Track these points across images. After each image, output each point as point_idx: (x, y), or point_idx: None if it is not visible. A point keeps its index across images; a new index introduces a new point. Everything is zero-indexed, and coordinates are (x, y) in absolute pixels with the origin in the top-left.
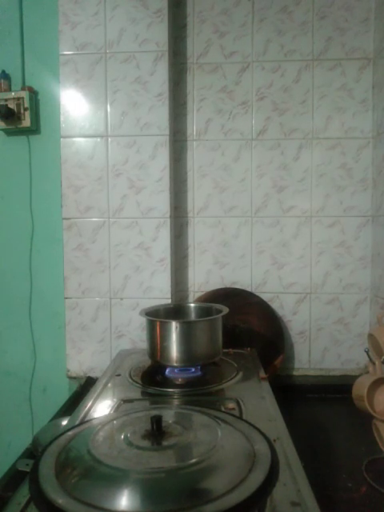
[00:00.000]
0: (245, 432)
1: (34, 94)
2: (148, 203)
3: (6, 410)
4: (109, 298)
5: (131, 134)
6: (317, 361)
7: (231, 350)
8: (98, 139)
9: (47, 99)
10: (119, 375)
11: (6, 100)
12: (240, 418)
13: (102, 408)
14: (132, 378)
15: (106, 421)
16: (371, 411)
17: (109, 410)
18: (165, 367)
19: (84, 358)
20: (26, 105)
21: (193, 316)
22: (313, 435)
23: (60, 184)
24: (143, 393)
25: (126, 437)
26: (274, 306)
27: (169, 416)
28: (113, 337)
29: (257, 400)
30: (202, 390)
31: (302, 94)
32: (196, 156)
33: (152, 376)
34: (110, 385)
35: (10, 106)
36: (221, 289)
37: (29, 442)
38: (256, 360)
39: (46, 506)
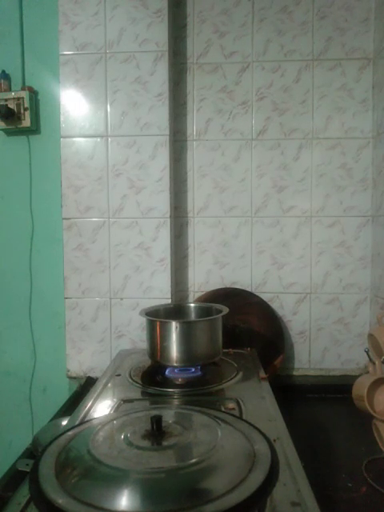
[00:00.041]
0: (245, 432)
1: (33, 94)
2: (148, 203)
3: (6, 410)
4: (109, 297)
5: (131, 134)
6: (317, 361)
7: (231, 350)
8: (98, 139)
9: (47, 99)
10: (119, 375)
11: (6, 100)
12: (240, 418)
13: (101, 408)
14: (132, 378)
15: (106, 421)
16: (371, 411)
17: (109, 409)
18: (165, 367)
19: (84, 358)
20: (26, 105)
21: (193, 316)
22: (313, 435)
23: (60, 184)
24: (143, 393)
25: (125, 437)
26: (274, 306)
27: (169, 416)
28: (113, 337)
29: (257, 400)
30: (202, 390)
31: (301, 94)
32: (196, 156)
33: (152, 376)
34: (109, 385)
35: (9, 106)
36: (221, 289)
37: (29, 442)
38: (256, 360)
39: (46, 506)
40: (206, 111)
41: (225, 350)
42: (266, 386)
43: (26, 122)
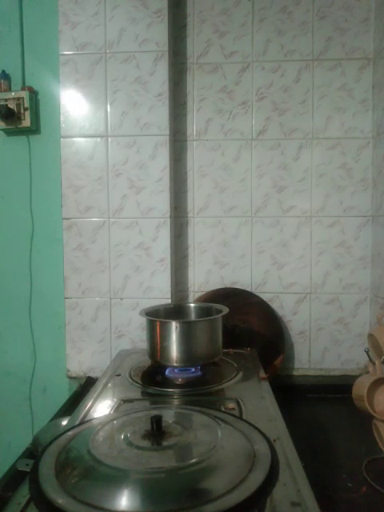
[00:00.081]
0: (245, 432)
1: (33, 94)
2: (148, 203)
3: (5, 410)
4: (109, 297)
5: (131, 134)
6: (317, 361)
7: (231, 350)
8: (98, 139)
9: (47, 99)
10: (119, 375)
11: (6, 100)
12: (240, 418)
13: (101, 408)
14: (132, 378)
15: (106, 421)
16: (371, 411)
17: (109, 409)
18: (165, 367)
19: (84, 358)
20: (26, 105)
21: (193, 316)
22: (313, 435)
23: (60, 184)
24: (143, 393)
25: (126, 437)
26: (274, 306)
27: (169, 416)
28: (113, 337)
29: (257, 400)
30: (202, 390)
31: (302, 94)
32: (196, 156)
33: (152, 376)
34: (109, 385)
35: (10, 106)
36: (221, 289)
37: (29, 442)
38: (256, 360)
39: (46, 506)
40: (205, 111)
41: (225, 350)
42: (265, 386)
43: (26, 122)
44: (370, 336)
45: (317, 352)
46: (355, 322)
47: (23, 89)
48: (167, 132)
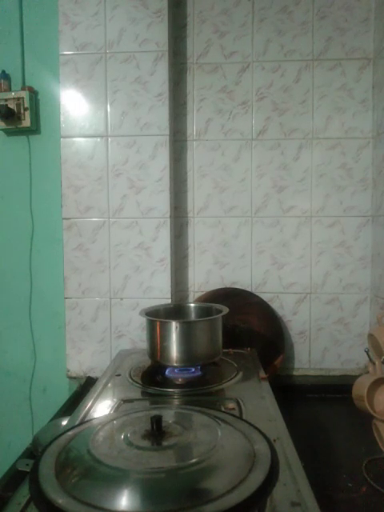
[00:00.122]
0: (245, 432)
1: (33, 93)
2: (148, 203)
3: (5, 410)
4: (109, 297)
5: (131, 134)
6: (317, 361)
7: (231, 350)
8: (98, 139)
9: (47, 99)
10: (119, 375)
11: (6, 100)
12: (240, 418)
13: (101, 408)
14: (132, 378)
15: (106, 421)
16: (371, 411)
17: (109, 409)
18: (165, 367)
19: (84, 358)
20: (26, 105)
21: (193, 316)
22: (313, 435)
23: (60, 184)
24: (143, 393)
25: (126, 437)
26: (274, 306)
27: (169, 416)
28: (113, 337)
29: (257, 400)
30: (202, 390)
31: (302, 93)
32: (196, 156)
33: (152, 376)
34: (110, 385)
35: (10, 106)
36: (221, 289)
37: (29, 441)
38: (256, 360)
39: (46, 506)
40: (205, 111)
41: (225, 350)
42: (266, 386)
43: (26, 122)
44: (370, 336)
45: (317, 352)
46: (355, 322)
47: (23, 89)
48: (167, 132)
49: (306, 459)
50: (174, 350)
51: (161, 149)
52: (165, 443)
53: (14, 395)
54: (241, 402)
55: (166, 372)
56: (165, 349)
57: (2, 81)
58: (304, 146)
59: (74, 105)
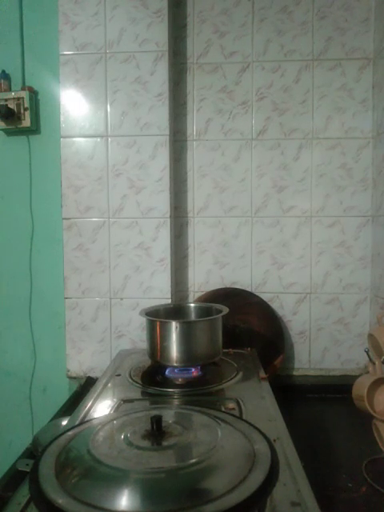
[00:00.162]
0: (245, 432)
1: (33, 93)
2: (148, 203)
3: (5, 410)
4: (109, 297)
5: (131, 134)
6: (317, 361)
7: (231, 350)
8: (98, 139)
9: (47, 99)
10: (119, 375)
11: (6, 100)
12: (240, 418)
13: (101, 408)
14: (132, 378)
15: (106, 421)
16: (371, 411)
17: (109, 409)
18: (165, 367)
19: (84, 358)
20: (26, 105)
21: (193, 316)
22: (313, 435)
23: (60, 184)
24: (143, 393)
25: (126, 437)
26: (274, 306)
27: (169, 416)
28: (113, 337)
29: (257, 400)
30: (202, 390)
31: (302, 93)
32: (196, 156)
33: (152, 376)
34: (110, 385)
35: (10, 106)
36: (221, 289)
37: (29, 441)
38: (256, 360)
39: (46, 506)
40: (205, 111)
41: (225, 350)
42: (266, 386)
43: (26, 122)
44: (370, 336)
45: (317, 352)
46: (355, 322)
47: (23, 89)
48: (167, 132)
49: (306, 459)
50: (174, 350)
51: (161, 149)
52: (165, 443)
53: (14, 395)
54: (241, 402)
55: (166, 372)
56: (165, 349)
57: (2, 81)
58: (304, 145)
59: (73, 105)
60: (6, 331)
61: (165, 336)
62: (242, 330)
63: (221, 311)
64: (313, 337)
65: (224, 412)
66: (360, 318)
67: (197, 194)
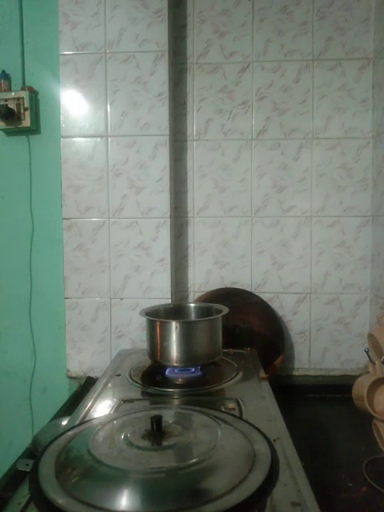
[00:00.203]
0: (245, 432)
1: (33, 93)
2: (148, 203)
3: (6, 410)
4: (109, 297)
5: (131, 134)
6: (317, 361)
7: (231, 350)
8: (98, 139)
9: (47, 99)
10: (119, 375)
11: (6, 100)
12: (240, 418)
13: (101, 408)
14: (132, 378)
15: (106, 421)
16: (371, 411)
17: (109, 409)
18: (165, 367)
19: (84, 358)
20: (26, 105)
21: (193, 316)
22: (313, 435)
23: (60, 184)
24: (143, 393)
25: (126, 437)
26: (274, 306)
27: (169, 416)
28: (113, 337)
29: (257, 400)
30: (202, 390)
31: (302, 94)
32: (196, 156)
33: (152, 376)
34: (110, 385)
35: (10, 106)
36: (221, 289)
37: (29, 442)
38: (256, 360)
39: (46, 506)
40: (205, 111)
41: (225, 350)
42: (266, 386)
43: (26, 122)
44: (370, 336)
45: (317, 352)
46: (355, 322)
47: (23, 89)
48: (167, 132)
49: (306, 459)
50: (174, 350)
51: (161, 149)
52: (165, 443)
53: (14, 395)
54: (241, 402)
55: (166, 372)
56: (165, 349)
57: (2, 81)
58: (304, 145)
59: (73, 105)
60: (5, 331)
61: (165, 336)
62: (242, 330)
63: (221, 311)
64: (313, 337)
65: (224, 412)
66: (360, 318)
67: (197, 194)
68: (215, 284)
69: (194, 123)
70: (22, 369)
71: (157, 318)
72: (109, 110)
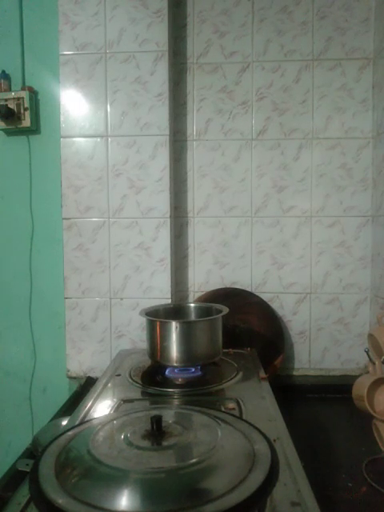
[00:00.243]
0: (245, 432)
1: (33, 93)
2: (148, 203)
3: (6, 410)
4: (109, 297)
5: (131, 134)
6: (317, 361)
7: (231, 350)
8: (98, 139)
9: (47, 99)
10: (119, 375)
11: (6, 100)
12: (240, 418)
13: (101, 408)
14: (132, 378)
15: (106, 421)
16: (371, 411)
17: (109, 409)
18: (165, 367)
19: (84, 358)
20: (26, 105)
21: (193, 316)
22: (313, 435)
23: (60, 184)
24: (143, 393)
25: (126, 437)
26: (274, 306)
27: (169, 416)
28: (113, 337)
29: (257, 400)
30: (202, 390)
31: (302, 94)
32: (196, 156)
33: (152, 376)
34: (110, 385)
35: (10, 106)
36: (221, 289)
37: (29, 442)
38: (256, 360)
39: (46, 506)
40: (205, 111)
41: (225, 350)
42: (266, 386)
43: (26, 122)
44: (370, 336)
45: (317, 352)
46: (355, 322)
47: (23, 89)
48: (167, 132)
49: (306, 459)
50: (174, 350)
51: (161, 149)
52: (165, 443)
53: (14, 395)
54: (241, 402)
55: (166, 372)
56: (165, 349)
57: (2, 81)
58: (304, 145)
59: (73, 105)
60: (5, 331)
61: (165, 336)
62: (242, 330)
63: (221, 311)
64: (313, 337)
65: (224, 412)
66: (360, 318)
67: (197, 194)
68: (215, 284)
69: (194, 123)
70: (22, 369)
71: (157, 317)
72: (109, 109)
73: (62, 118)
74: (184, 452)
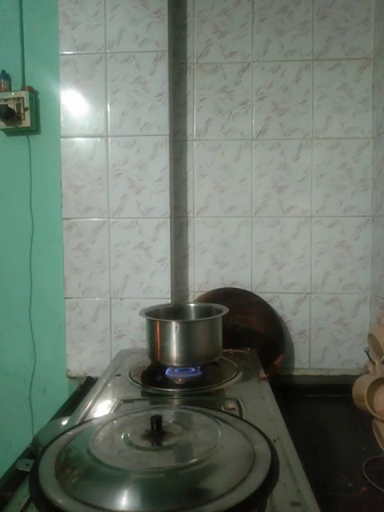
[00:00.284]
0: (245, 432)
1: (33, 93)
2: (148, 203)
3: (6, 410)
4: (109, 297)
5: (131, 134)
6: (317, 361)
7: (231, 350)
8: (98, 139)
9: (47, 99)
10: (119, 375)
11: (6, 100)
12: (240, 418)
13: (101, 408)
14: (132, 378)
15: (106, 421)
16: (371, 411)
17: (109, 409)
18: (165, 367)
19: (84, 358)
20: (26, 105)
21: (193, 316)
22: (313, 435)
23: (60, 184)
24: (143, 393)
25: (126, 437)
26: (274, 306)
27: (169, 416)
28: (113, 337)
29: (257, 400)
30: (202, 390)
31: (302, 94)
32: (196, 156)
33: (152, 376)
34: (109, 385)
35: (10, 106)
36: (221, 289)
37: (29, 442)
38: (256, 360)
39: (46, 506)
40: (205, 111)
41: (225, 350)
42: (266, 386)
43: (26, 122)
44: (370, 336)
45: (317, 352)
46: (355, 322)
47: (23, 89)
48: (167, 132)
49: (306, 459)
50: (174, 350)
51: (161, 149)
52: (165, 443)
53: (14, 395)
54: (241, 402)
55: (166, 372)
56: (165, 349)
57: (2, 81)
58: (304, 146)
59: (73, 105)
60: (5, 331)
61: (165, 336)
62: (242, 330)
63: (221, 311)
64: (313, 337)
65: (224, 412)
66: (360, 318)
67: (197, 194)
68: (215, 284)
69: (193, 123)
70: (22, 369)
71: (157, 317)
72: (109, 109)
73: (61, 118)
74: (184, 452)
